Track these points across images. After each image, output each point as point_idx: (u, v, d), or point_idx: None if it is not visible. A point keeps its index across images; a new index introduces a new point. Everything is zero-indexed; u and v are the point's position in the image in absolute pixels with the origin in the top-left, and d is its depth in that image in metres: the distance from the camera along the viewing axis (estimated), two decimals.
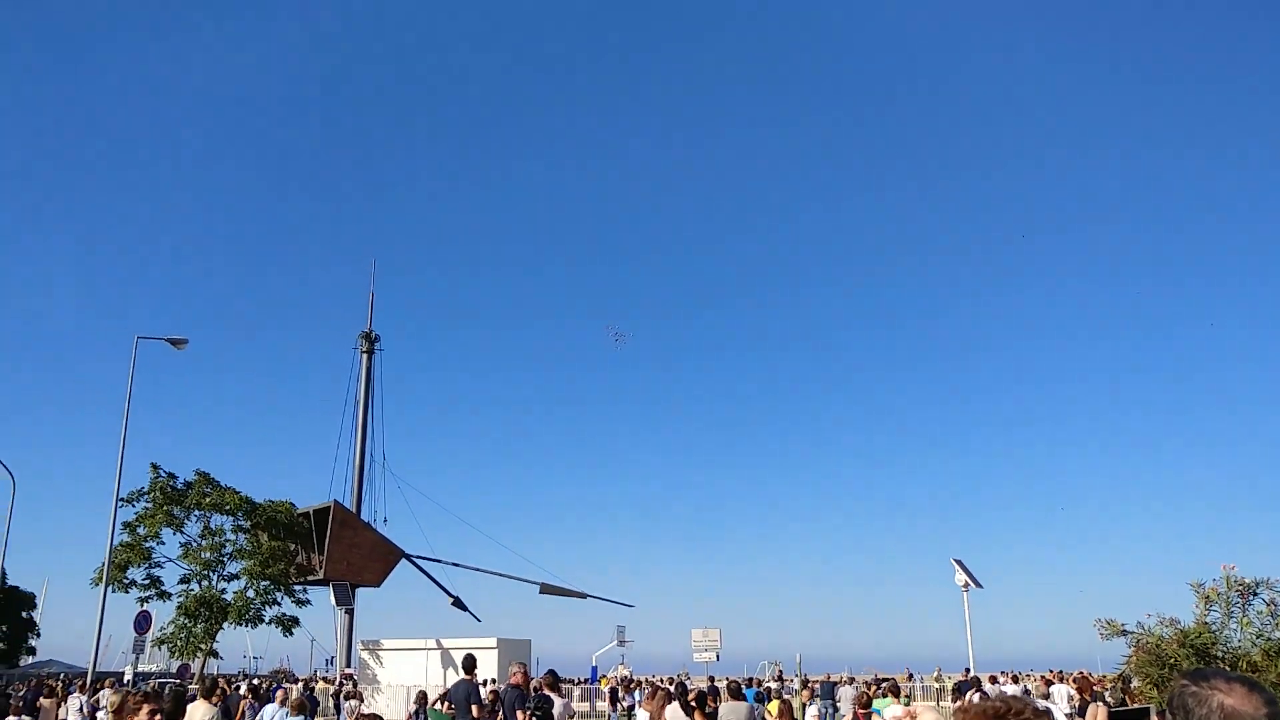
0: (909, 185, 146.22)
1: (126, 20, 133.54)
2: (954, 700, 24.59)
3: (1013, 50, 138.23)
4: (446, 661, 34.96)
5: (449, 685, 20.13)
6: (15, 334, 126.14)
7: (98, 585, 32.29)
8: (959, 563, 33.54)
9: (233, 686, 27.66)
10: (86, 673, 32.05)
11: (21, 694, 32.12)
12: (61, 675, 57.68)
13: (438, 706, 18.79)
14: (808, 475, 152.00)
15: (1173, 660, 12.40)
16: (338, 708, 30.85)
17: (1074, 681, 27.19)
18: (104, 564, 31.80)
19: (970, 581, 33.20)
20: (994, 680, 28.15)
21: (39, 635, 62.43)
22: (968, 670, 31.86)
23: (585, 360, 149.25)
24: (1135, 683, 14.65)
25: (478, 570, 44.56)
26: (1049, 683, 30.31)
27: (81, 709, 25.08)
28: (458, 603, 42.97)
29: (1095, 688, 23.75)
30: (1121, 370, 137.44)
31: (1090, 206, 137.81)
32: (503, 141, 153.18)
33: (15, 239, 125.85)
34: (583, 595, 45.62)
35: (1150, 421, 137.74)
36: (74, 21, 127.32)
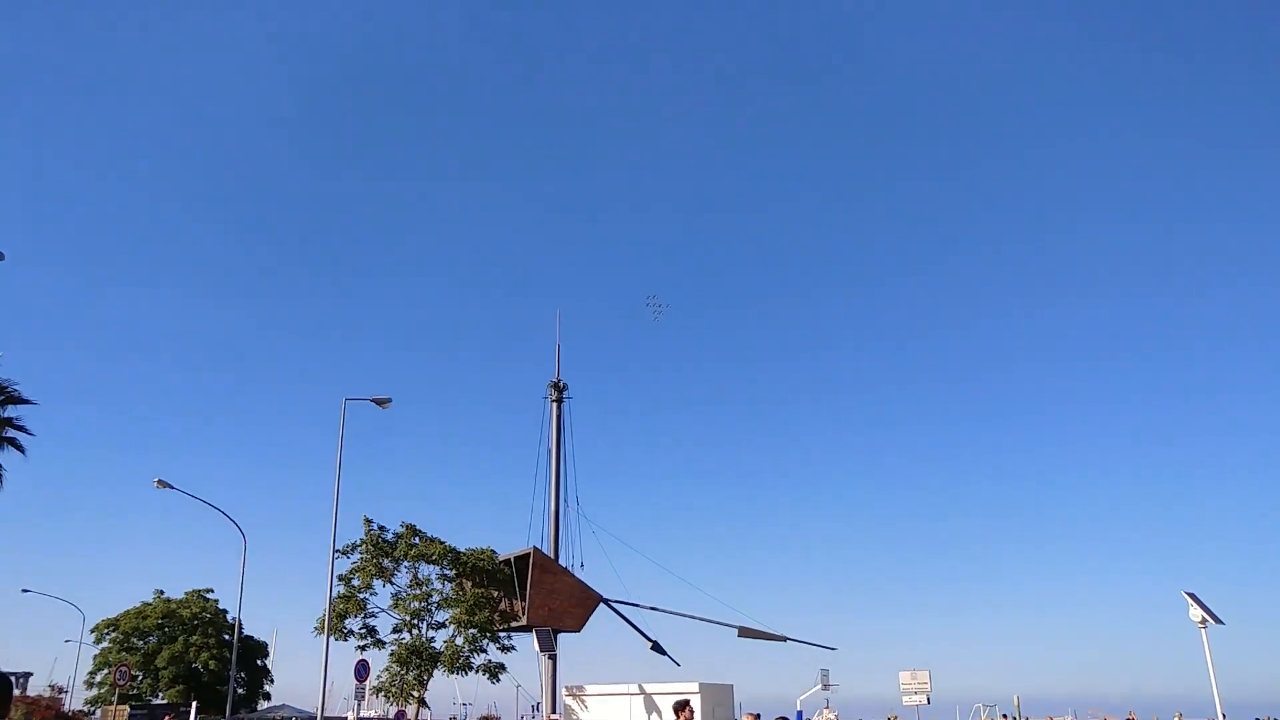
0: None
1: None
2: None
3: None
4: (649, 707, 34.74)
5: None
6: (241, 399, 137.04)
7: (320, 634, 34.09)
8: (1192, 596, 30.53)
9: None
10: (315, 717, 33.73)
11: None
12: (293, 719, 61.37)
13: None
14: (1021, 503, 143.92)
15: None
16: None
17: None
18: (325, 615, 33.55)
19: (1208, 617, 30.12)
20: None
21: (272, 681, 66.78)
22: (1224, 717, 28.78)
23: (776, 396, 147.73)
24: None
25: (675, 614, 44.31)
26: None
27: None
28: (656, 647, 42.80)
29: None
30: None
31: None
32: (684, 195, 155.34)
33: (237, 311, 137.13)
34: (783, 638, 44.50)
35: None
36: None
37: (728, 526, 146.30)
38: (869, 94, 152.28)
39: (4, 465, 32.59)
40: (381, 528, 40.92)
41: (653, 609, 43.88)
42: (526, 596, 39.73)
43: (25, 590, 73.69)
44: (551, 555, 44.33)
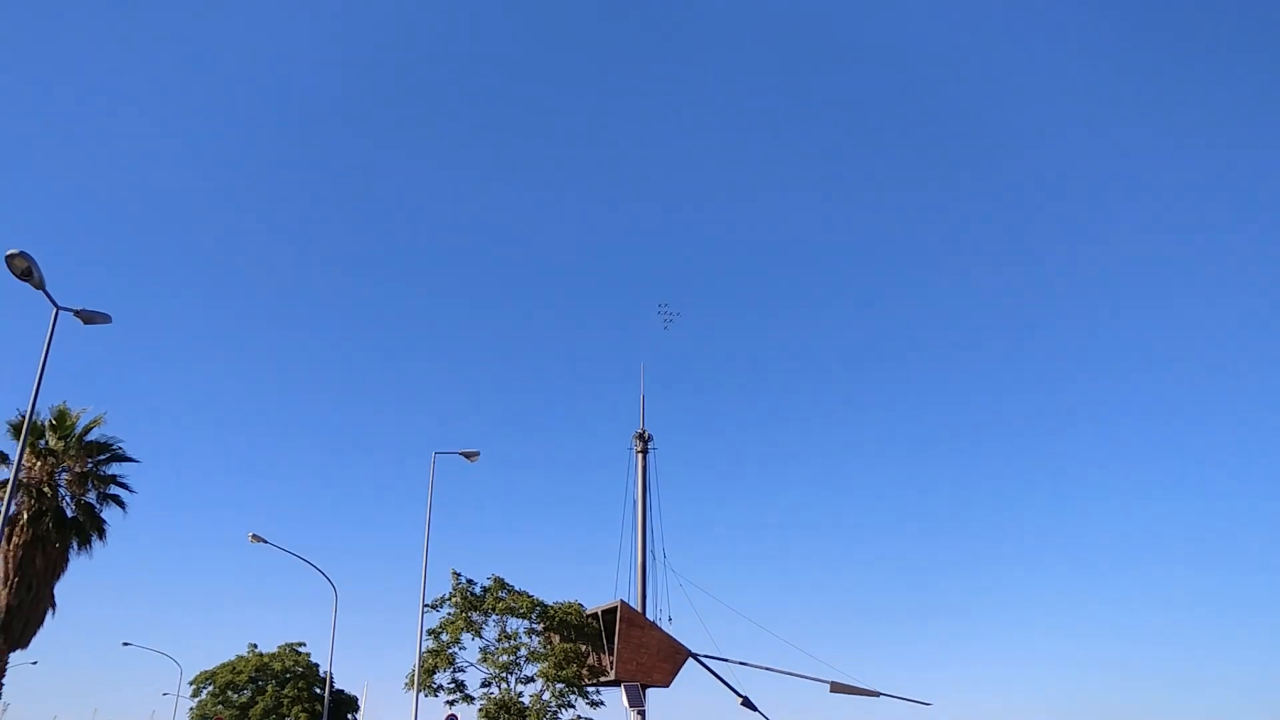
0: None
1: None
2: None
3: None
4: None
5: None
6: (330, 455, 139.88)
7: (410, 689, 34.01)
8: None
9: None
10: None
11: None
12: None
13: None
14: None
15: None
16: None
17: None
18: (414, 669, 33.48)
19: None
20: None
21: None
22: None
23: (862, 450, 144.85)
24: None
25: (766, 669, 43.22)
26: None
27: None
28: (747, 703, 41.72)
29: None
30: None
31: None
32: (770, 258, 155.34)
33: (330, 360, 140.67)
34: (876, 694, 43.14)
35: None
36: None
37: (821, 579, 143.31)
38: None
39: (107, 521, 33.44)
40: (469, 581, 40.92)
41: (742, 664, 42.88)
42: (615, 651, 39.16)
43: (126, 644, 75.61)
44: (639, 609, 43.69)
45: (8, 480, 31.42)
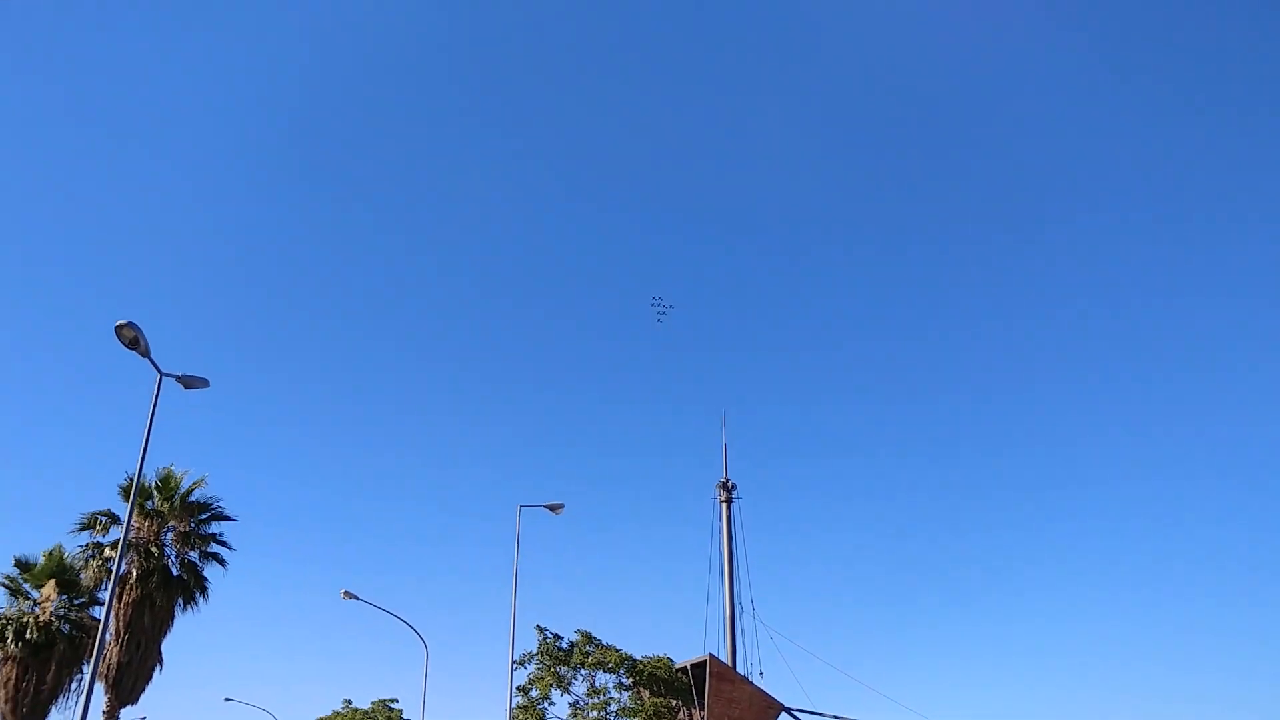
0: None
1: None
2: None
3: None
4: None
5: None
6: (418, 511, 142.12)
7: None
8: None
9: None
10: None
11: None
12: None
13: None
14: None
15: None
16: None
17: None
18: None
19: None
20: None
21: None
22: None
23: (958, 491, 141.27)
24: None
25: None
26: None
27: None
28: None
29: None
30: None
31: None
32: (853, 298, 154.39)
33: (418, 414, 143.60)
34: None
35: None
36: None
37: (915, 627, 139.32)
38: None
39: (209, 578, 34.63)
40: (556, 636, 40.96)
41: (836, 718, 41.96)
42: (705, 706, 38.68)
43: (228, 699, 77.23)
44: (728, 661, 43.20)
45: (118, 540, 32.98)
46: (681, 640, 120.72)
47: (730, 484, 48.38)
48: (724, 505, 47.82)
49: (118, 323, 18.14)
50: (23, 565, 36.11)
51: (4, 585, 35.60)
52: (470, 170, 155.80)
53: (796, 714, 41.32)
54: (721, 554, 46.78)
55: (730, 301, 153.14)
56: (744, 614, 45.36)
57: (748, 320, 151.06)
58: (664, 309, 56.07)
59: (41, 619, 34.37)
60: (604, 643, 40.82)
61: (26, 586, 35.88)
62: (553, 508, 34.51)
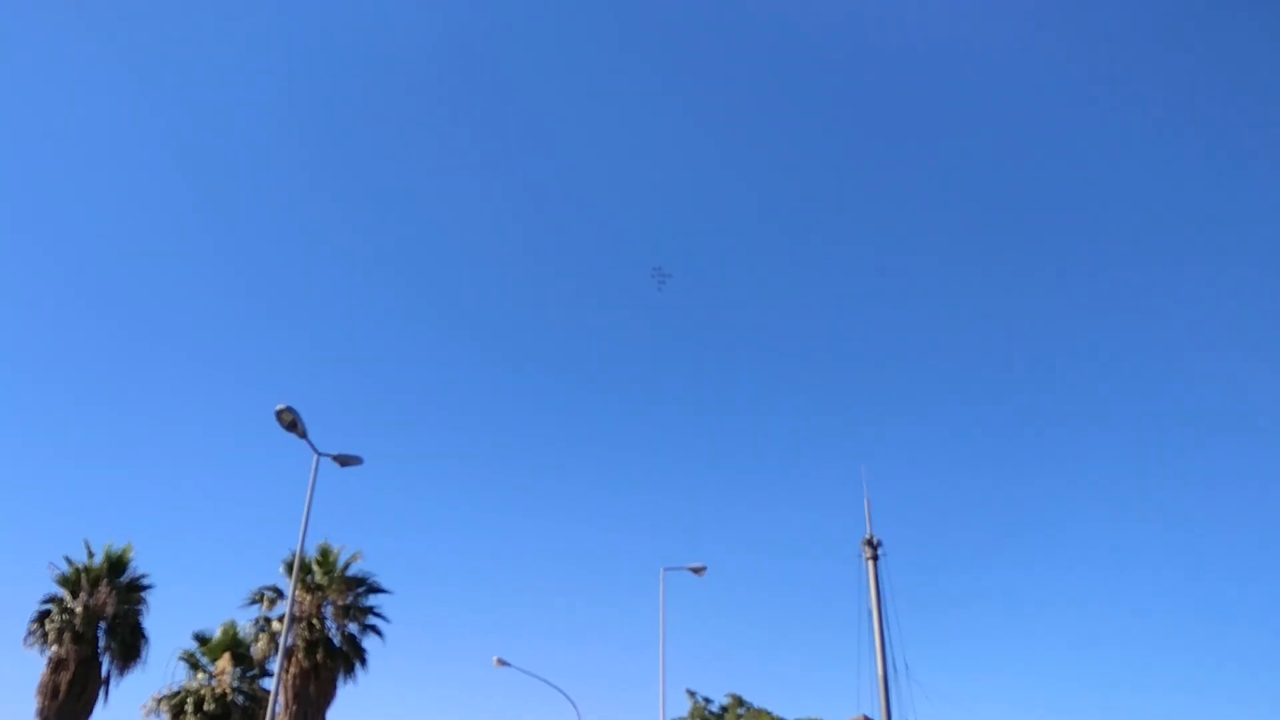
0: None
1: None
2: None
3: None
4: None
5: None
6: (565, 576, 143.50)
7: None
8: None
9: None
10: None
11: None
12: None
13: None
14: None
15: None
16: None
17: None
18: None
19: None
20: None
21: None
22: None
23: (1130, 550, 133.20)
24: None
25: None
26: None
27: None
28: None
29: None
30: None
31: None
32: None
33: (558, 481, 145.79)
34: None
35: None
36: None
37: (1081, 687, 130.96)
38: None
39: (367, 649, 35.95)
40: (706, 699, 40.57)
41: None
42: None
43: None
44: None
45: (283, 615, 34.74)
46: (833, 701, 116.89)
47: (876, 540, 47.13)
48: (870, 563, 46.59)
49: (277, 407, 19.42)
50: (200, 639, 38.30)
51: (184, 660, 37.78)
52: (624, 243, 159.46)
53: None
54: (870, 612, 45.44)
55: (872, 355, 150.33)
56: (898, 674, 43.78)
57: (887, 372, 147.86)
58: (663, 278, 55.76)
59: (218, 691, 36.28)
60: (755, 705, 40.19)
61: (204, 660, 37.99)
62: (696, 570, 34.49)
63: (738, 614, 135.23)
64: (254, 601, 35.85)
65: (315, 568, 36.00)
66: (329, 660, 34.52)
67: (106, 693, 35.04)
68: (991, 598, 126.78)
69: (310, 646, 34.12)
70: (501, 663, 40.49)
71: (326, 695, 34.63)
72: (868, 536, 47.18)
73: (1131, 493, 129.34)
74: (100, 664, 35.11)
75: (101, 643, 35.11)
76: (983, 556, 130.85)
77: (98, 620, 34.92)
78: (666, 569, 34.18)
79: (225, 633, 37.98)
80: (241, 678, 37.51)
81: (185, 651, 37.92)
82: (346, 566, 36.19)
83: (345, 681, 35.32)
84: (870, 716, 40.25)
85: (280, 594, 35.71)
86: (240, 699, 36.80)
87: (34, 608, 35.17)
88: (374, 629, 36.18)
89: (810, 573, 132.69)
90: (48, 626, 34.33)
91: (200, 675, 37.62)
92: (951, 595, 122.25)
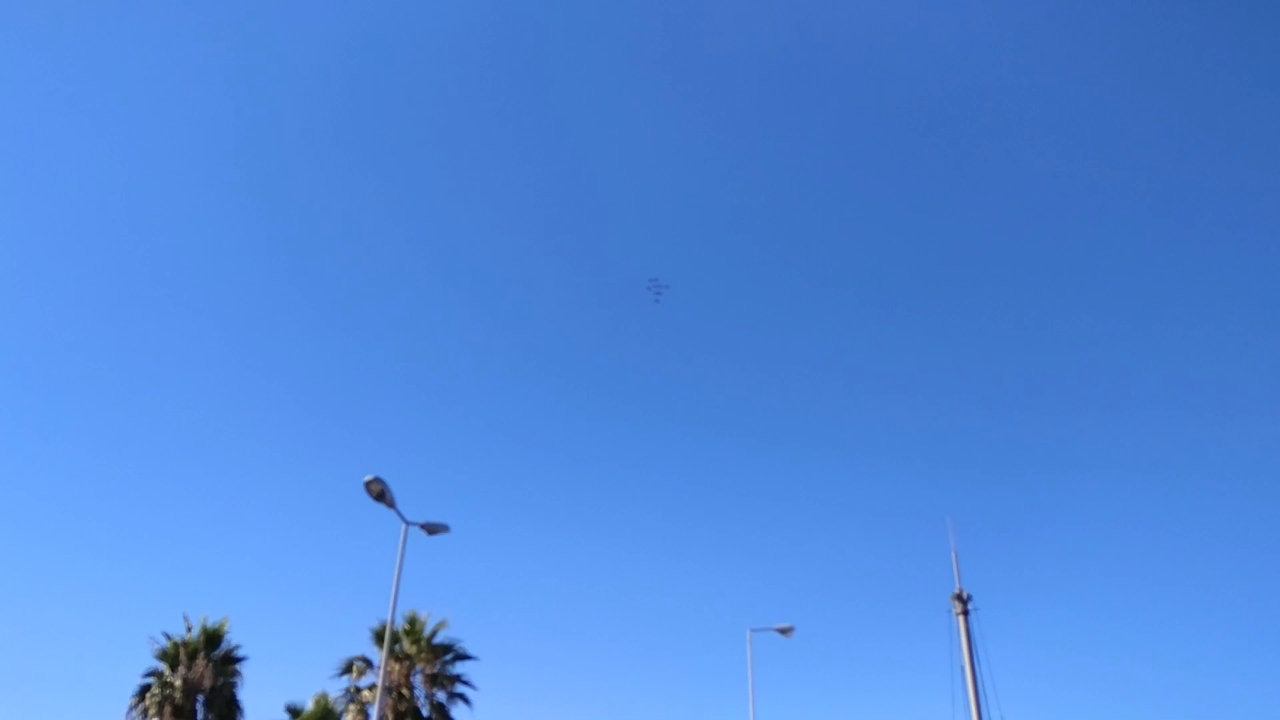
0: None
1: None
2: None
3: None
4: None
5: None
6: (641, 636, 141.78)
7: None
8: None
9: None
10: None
11: None
12: None
13: None
14: None
15: None
16: None
17: None
18: None
19: None
20: None
21: None
22: None
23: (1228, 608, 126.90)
24: None
25: None
26: None
27: None
28: None
29: None
30: None
31: None
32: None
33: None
34: None
35: None
36: None
37: None
38: None
39: (455, 718, 36.01)
40: None
41: None
42: None
43: None
44: None
45: (373, 685, 35.13)
46: None
47: (965, 595, 46.00)
48: (960, 618, 45.42)
49: (366, 478, 19.94)
50: (293, 711, 38.85)
51: None
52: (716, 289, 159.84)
53: None
54: (963, 668, 44.19)
55: (955, 414, 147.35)
56: None
57: (974, 431, 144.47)
58: (660, 290, 55.58)
59: None
60: None
61: None
62: (783, 630, 33.91)
63: (823, 670, 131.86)
64: (344, 672, 36.30)
65: (403, 636, 36.34)
66: None
67: None
68: (1086, 648, 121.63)
69: (400, 716, 34.35)
70: None
71: None
72: (957, 591, 46.03)
73: (1234, 539, 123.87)
74: None
75: (200, 715, 35.87)
76: (1076, 602, 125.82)
77: (196, 693, 35.71)
78: (753, 630, 33.70)
79: (317, 704, 38.50)
80: None
81: None
82: (434, 634, 36.47)
83: None
84: None
85: (369, 663, 36.13)
86: None
87: (136, 681, 36.19)
88: (461, 697, 36.28)
89: (898, 625, 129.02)
90: (148, 700, 35.24)
91: None
92: (1047, 645, 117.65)
